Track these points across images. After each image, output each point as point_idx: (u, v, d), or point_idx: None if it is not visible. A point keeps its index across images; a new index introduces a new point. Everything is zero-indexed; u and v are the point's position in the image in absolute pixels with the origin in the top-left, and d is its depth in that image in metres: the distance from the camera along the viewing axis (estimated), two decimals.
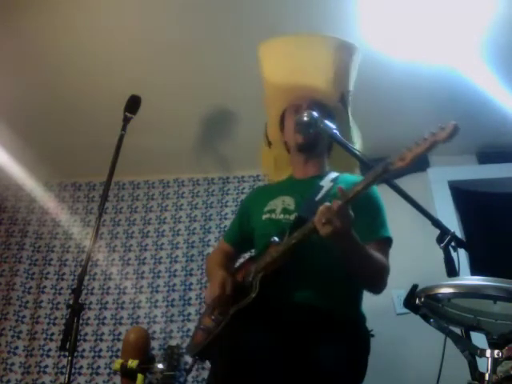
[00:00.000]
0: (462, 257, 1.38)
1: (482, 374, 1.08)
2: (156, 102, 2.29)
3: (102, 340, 2.60)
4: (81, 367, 2.52)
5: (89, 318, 2.64)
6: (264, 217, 1.61)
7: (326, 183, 1.55)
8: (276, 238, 1.45)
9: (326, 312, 1.41)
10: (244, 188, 2.94)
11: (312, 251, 1.44)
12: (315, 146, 1.65)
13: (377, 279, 1.48)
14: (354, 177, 1.65)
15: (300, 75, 1.66)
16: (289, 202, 1.60)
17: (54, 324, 2.64)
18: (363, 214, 1.48)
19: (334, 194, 1.45)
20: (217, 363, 1.38)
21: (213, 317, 1.54)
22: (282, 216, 1.57)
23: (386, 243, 1.53)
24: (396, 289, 1.90)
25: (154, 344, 2.53)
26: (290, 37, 1.73)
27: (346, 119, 1.71)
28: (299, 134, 1.61)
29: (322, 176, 1.63)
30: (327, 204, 1.26)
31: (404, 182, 1.71)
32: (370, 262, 1.41)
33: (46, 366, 2.52)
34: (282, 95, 1.73)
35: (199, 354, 1.60)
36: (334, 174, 1.63)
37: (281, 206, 1.60)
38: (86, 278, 2.64)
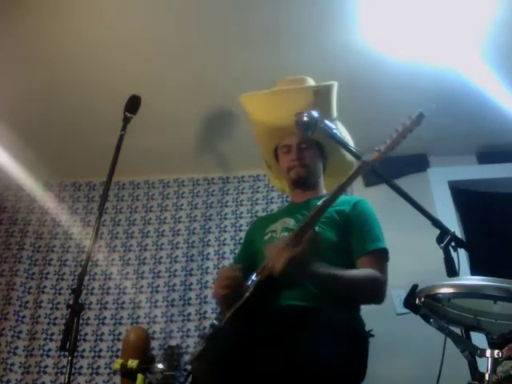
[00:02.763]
0: (462, 257, 1.39)
1: (482, 374, 1.08)
2: (156, 102, 2.29)
3: (101, 340, 2.59)
4: (81, 367, 2.52)
5: (89, 318, 2.64)
6: (266, 237, 1.69)
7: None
8: None
9: (316, 312, 1.43)
10: (244, 188, 2.94)
11: None
12: (308, 179, 1.75)
13: (370, 296, 1.50)
14: (349, 197, 1.75)
15: (283, 119, 1.75)
16: (289, 222, 1.67)
17: (54, 324, 2.64)
18: (356, 228, 1.57)
19: (330, 213, 1.54)
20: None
21: (213, 322, 1.60)
22: (282, 234, 1.62)
23: (380, 255, 1.55)
24: (396, 289, 1.90)
25: (154, 344, 2.53)
26: (267, 91, 1.84)
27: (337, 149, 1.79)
28: (292, 172, 1.74)
29: (319, 197, 1.66)
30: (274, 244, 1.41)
31: (404, 182, 1.71)
32: (354, 285, 1.44)
33: (46, 366, 2.52)
34: (270, 136, 1.84)
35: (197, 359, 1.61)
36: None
37: (281, 226, 1.67)
38: (86, 278, 2.64)
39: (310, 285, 1.48)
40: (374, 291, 1.49)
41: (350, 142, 1.84)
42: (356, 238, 1.56)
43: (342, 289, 1.44)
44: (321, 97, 1.74)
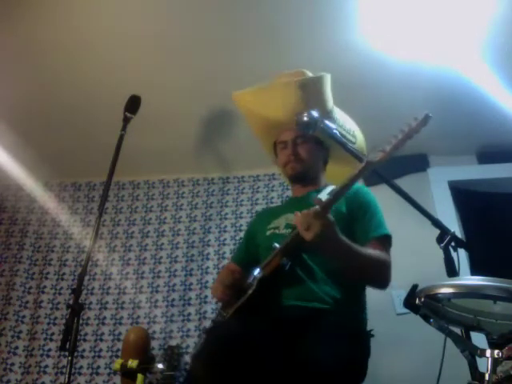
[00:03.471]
0: (462, 257, 1.39)
1: (482, 374, 1.08)
2: (156, 102, 2.29)
3: (101, 340, 2.60)
4: (81, 367, 2.52)
5: (89, 318, 2.64)
6: (268, 233, 1.68)
7: (323, 196, 1.57)
8: (277, 245, 1.50)
9: (318, 313, 1.43)
10: (244, 188, 2.94)
11: (307, 253, 1.51)
12: (306, 174, 1.73)
13: (376, 275, 1.51)
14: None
15: (275, 115, 1.74)
16: (291, 217, 1.63)
17: (54, 324, 2.64)
18: (359, 217, 1.57)
19: (338, 208, 1.53)
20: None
21: (214, 319, 1.58)
22: (285, 231, 1.62)
23: (384, 240, 1.55)
24: (396, 289, 1.90)
25: (154, 344, 2.53)
26: (255, 88, 1.81)
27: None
28: (287, 167, 1.73)
29: (319, 190, 1.67)
30: (304, 211, 1.32)
31: (404, 182, 1.72)
32: (365, 261, 1.44)
33: (46, 366, 2.52)
34: (266, 133, 1.84)
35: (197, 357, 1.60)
36: (331, 187, 1.63)
37: (284, 223, 1.66)
38: (86, 278, 2.64)
39: (326, 255, 1.45)
40: (383, 273, 1.50)
41: (353, 127, 1.84)
42: (359, 226, 1.56)
43: (355, 263, 1.43)
44: (308, 90, 1.71)
